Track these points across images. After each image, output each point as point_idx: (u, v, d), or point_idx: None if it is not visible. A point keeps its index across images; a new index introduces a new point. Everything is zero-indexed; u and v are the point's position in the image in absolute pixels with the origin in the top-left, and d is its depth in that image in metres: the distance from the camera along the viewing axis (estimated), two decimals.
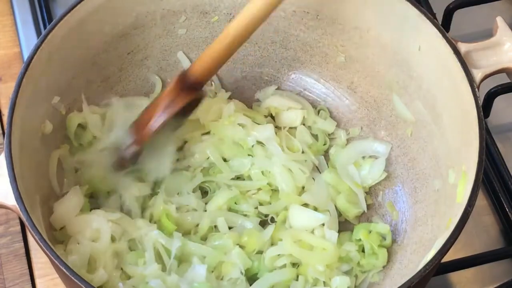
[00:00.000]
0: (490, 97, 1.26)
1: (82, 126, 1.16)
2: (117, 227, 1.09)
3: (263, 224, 1.15)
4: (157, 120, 1.07)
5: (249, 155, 1.18)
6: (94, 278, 1.04)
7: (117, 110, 1.18)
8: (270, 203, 1.16)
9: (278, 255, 1.10)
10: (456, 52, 1.03)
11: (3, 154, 0.96)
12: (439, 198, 1.09)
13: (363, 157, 1.21)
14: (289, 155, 1.17)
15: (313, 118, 1.23)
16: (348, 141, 1.23)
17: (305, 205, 1.15)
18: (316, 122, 1.23)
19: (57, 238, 1.08)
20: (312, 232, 1.13)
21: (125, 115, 1.17)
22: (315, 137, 1.23)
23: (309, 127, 1.23)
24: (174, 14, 1.19)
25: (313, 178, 1.18)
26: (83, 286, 0.89)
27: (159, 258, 1.09)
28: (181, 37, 1.22)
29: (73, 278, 0.89)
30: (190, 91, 1.07)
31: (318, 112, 1.25)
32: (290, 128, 1.23)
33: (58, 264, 0.90)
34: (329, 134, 1.24)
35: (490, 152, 1.24)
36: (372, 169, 1.19)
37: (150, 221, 1.12)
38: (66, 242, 1.08)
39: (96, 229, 1.07)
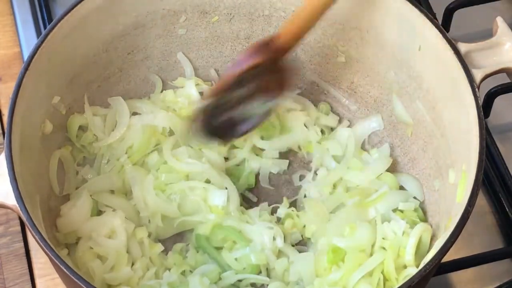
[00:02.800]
0: (490, 97, 1.26)
1: (82, 128, 1.16)
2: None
3: None
4: (235, 65, 1.05)
5: None
6: (117, 275, 1.06)
7: (119, 110, 1.18)
8: None
9: None
10: (456, 52, 1.03)
11: (3, 154, 0.96)
12: (439, 198, 1.09)
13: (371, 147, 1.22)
14: None
15: (315, 115, 1.24)
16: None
17: None
18: (318, 118, 1.24)
19: (58, 240, 1.08)
20: None
21: (127, 115, 1.17)
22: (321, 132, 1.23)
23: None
24: (174, 14, 1.19)
25: None
26: (83, 286, 0.89)
27: None
28: (181, 37, 1.22)
29: (73, 277, 0.89)
30: (274, 51, 1.04)
31: (319, 108, 1.25)
32: None
33: (59, 264, 0.90)
34: (332, 129, 1.24)
35: (490, 152, 1.24)
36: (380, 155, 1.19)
37: None
38: (70, 244, 1.09)
39: (111, 229, 1.09)
